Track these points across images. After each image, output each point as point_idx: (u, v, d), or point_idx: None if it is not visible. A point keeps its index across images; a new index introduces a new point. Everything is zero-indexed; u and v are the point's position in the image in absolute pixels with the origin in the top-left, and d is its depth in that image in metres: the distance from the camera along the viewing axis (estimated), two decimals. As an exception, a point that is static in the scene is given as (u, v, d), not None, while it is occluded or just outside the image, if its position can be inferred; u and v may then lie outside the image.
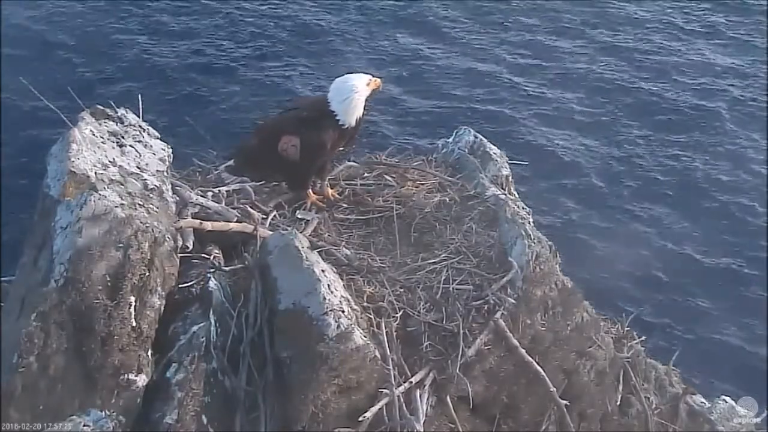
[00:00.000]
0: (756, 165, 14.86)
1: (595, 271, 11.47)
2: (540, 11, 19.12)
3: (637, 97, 16.50)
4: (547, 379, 5.55)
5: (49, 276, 4.51)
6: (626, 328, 6.76)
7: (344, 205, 6.20)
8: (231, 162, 6.47)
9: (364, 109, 5.82)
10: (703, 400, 7.25)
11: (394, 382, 4.90)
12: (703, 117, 16.00)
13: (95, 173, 4.98)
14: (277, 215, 5.96)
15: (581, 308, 6.06)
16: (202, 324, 4.83)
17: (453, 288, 5.51)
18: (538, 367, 5.52)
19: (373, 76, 5.77)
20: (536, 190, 13.16)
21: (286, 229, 5.45)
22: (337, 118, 5.69)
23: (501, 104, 15.87)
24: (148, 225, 4.75)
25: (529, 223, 6.05)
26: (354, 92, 5.69)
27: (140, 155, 5.53)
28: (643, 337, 6.88)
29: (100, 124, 5.53)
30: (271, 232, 5.48)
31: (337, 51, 17.13)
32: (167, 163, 5.70)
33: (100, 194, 4.70)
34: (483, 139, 6.93)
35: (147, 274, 4.68)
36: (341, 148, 6.04)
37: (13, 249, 5.79)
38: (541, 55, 17.51)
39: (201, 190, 6.02)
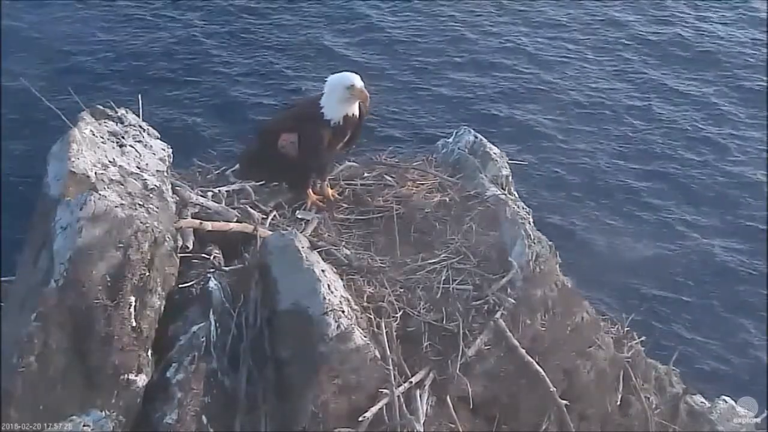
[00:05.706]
0: (757, 165, 14.87)
1: (595, 271, 11.48)
2: (541, 11, 19.13)
3: (639, 97, 16.51)
4: (547, 379, 5.53)
5: (49, 276, 4.50)
6: (626, 328, 6.75)
7: (344, 205, 6.19)
8: (237, 166, 6.48)
9: (359, 112, 5.80)
10: (703, 400, 7.25)
11: (394, 382, 4.89)
12: (704, 117, 16.01)
13: (95, 173, 4.98)
14: (277, 215, 5.96)
15: (581, 308, 6.06)
16: (202, 324, 4.83)
17: (453, 288, 5.50)
18: (538, 367, 5.51)
19: (363, 86, 5.67)
20: (536, 190, 13.17)
21: (286, 229, 5.45)
22: (322, 112, 5.71)
23: (501, 104, 15.89)
24: (148, 225, 4.75)
25: (529, 223, 6.05)
26: (333, 90, 5.70)
27: (140, 155, 5.52)
28: (643, 337, 6.87)
29: (100, 124, 5.52)
30: (271, 232, 5.48)
31: (337, 52, 17.14)
32: (167, 163, 5.69)
33: (100, 194, 4.70)
34: (483, 139, 6.92)
35: (147, 274, 4.68)
36: (341, 147, 6.02)
37: (13, 249, 5.79)
38: (542, 54, 17.53)
39: (201, 190, 6.01)
